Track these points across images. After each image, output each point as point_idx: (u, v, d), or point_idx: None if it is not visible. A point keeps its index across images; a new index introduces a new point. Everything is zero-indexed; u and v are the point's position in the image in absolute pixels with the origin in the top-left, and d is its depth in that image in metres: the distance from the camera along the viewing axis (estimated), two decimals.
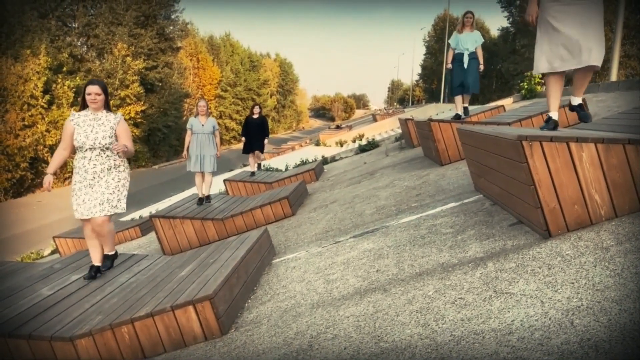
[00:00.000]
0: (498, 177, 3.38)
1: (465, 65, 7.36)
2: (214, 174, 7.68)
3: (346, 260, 3.72)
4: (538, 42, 3.60)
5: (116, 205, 4.12)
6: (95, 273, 4.24)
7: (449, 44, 7.62)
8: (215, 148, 7.54)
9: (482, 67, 7.50)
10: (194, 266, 3.98)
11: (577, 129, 4.11)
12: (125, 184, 4.22)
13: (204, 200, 7.60)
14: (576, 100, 3.94)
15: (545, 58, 3.54)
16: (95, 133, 4.01)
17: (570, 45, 3.41)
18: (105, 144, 4.03)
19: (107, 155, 4.08)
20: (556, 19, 3.44)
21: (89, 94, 4.03)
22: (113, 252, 4.43)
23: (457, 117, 7.52)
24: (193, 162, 7.42)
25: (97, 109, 4.08)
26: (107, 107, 4.16)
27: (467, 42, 7.37)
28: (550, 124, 3.68)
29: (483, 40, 7.56)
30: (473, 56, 7.41)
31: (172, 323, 3.11)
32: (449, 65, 7.62)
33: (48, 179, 3.95)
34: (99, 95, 4.05)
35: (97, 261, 4.28)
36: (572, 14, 3.39)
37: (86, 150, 4.02)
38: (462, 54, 7.39)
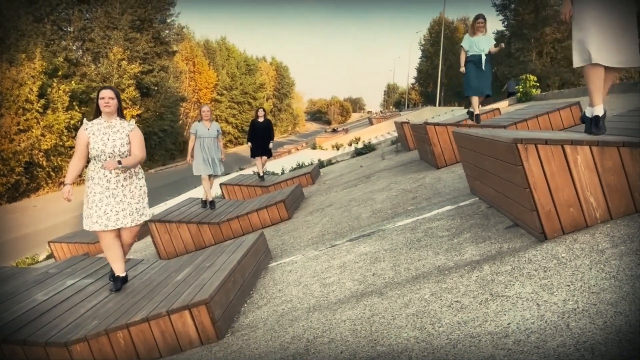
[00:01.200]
0: (494, 180, 3.39)
1: (483, 67, 7.31)
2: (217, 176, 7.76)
3: (342, 263, 3.72)
4: (573, 36, 3.30)
5: (143, 214, 4.07)
6: (122, 284, 4.06)
7: (461, 47, 7.52)
8: (220, 152, 7.63)
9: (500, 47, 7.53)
10: (190, 270, 3.97)
11: (572, 132, 4.12)
12: (146, 191, 4.16)
13: (209, 205, 7.51)
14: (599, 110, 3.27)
15: (579, 51, 3.24)
16: (112, 141, 3.89)
17: (604, 40, 3.14)
18: (124, 152, 3.91)
19: None
20: (590, 13, 3.17)
21: (102, 98, 3.91)
22: (124, 274, 4.15)
23: (476, 118, 7.48)
24: (204, 165, 7.41)
25: (110, 113, 3.95)
26: (120, 113, 4.03)
27: (482, 44, 7.31)
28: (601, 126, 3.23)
29: (495, 41, 7.59)
30: (488, 59, 7.38)
31: (168, 328, 3.10)
32: (463, 69, 7.50)
33: (67, 189, 3.81)
34: (112, 99, 3.93)
35: (120, 271, 4.08)
36: (605, 9, 3.13)
37: (105, 159, 3.88)
38: (478, 56, 7.33)
